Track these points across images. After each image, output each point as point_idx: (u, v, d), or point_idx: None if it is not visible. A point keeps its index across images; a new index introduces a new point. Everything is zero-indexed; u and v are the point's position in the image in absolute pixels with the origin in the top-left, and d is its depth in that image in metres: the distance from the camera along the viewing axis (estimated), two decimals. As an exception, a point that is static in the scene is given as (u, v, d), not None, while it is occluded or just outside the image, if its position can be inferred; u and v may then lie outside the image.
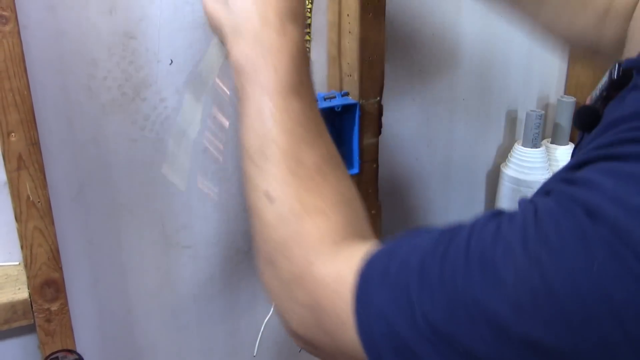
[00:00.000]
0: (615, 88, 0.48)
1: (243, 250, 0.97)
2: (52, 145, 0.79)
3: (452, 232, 0.42)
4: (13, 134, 0.70)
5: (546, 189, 0.41)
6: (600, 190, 0.36)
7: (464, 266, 0.39)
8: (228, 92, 0.70)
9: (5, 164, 0.71)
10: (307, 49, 0.85)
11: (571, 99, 1.13)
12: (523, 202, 0.41)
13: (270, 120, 0.55)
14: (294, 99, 0.56)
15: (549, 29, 0.69)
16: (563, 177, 0.41)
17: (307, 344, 0.52)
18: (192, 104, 0.72)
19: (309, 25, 0.85)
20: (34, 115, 0.71)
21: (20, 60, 0.68)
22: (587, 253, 0.35)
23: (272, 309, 0.95)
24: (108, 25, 0.78)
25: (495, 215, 0.42)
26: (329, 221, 0.52)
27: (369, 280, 0.45)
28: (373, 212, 0.95)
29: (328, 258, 0.50)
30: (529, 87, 1.16)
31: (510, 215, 0.40)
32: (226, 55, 0.63)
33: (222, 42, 0.63)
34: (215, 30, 0.64)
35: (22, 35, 0.69)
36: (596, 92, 0.52)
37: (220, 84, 0.70)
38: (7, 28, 0.67)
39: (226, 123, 0.72)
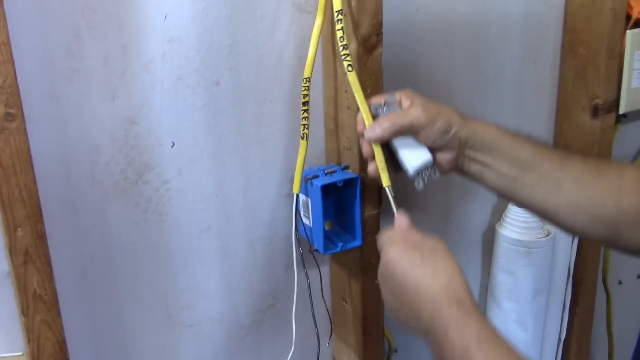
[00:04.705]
0: None
1: (246, 325, 0.97)
2: (55, 233, 0.79)
3: None
4: (20, 229, 0.70)
5: None
6: None
7: None
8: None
9: (11, 259, 0.71)
10: (306, 125, 0.87)
11: (561, 158, 1.15)
12: None
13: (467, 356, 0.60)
14: (487, 345, 0.61)
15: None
16: None
17: None
18: None
19: (307, 102, 0.86)
20: (40, 208, 0.70)
21: (27, 156, 0.68)
22: None
23: (278, 385, 0.94)
24: (110, 111, 0.79)
25: None
26: None
27: None
28: (377, 282, 0.95)
29: None
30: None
31: None
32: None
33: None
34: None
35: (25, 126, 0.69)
36: None
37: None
38: (14, 125, 0.67)
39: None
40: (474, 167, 0.79)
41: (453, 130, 0.76)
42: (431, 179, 0.80)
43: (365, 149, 0.79)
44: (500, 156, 0.77)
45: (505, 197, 0.81)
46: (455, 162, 0.79)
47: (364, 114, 0.79)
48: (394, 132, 0.76)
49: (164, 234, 0.86)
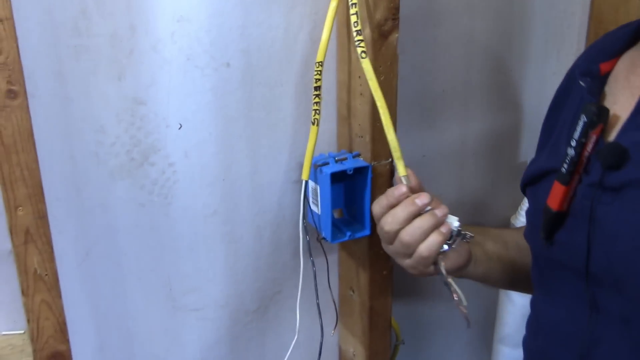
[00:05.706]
0: None
1: (251, 311, 0.95)
2: (58, 213, 0.78)
3: None
4: (20, 208, 0.69)
5: None
6: None
7: None
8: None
9: (12, 238, 0.70)
10: (317, 111, 0.84)
11: (581, 151, 1.12)
12: None
13: None
14: None
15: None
16: None
17: None
18: None
19: (319, 87, 0.84)
20: (42, 188, 0.69)
21: (29, 134, 0.67)
22: None
23: (281, 373, 0.93)
24: (117, 91, 0.77)
25: None
26: None
27: None
28: (385, 272, 0.93)
29: None
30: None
31: None
32: None
33: None
34: None
35: (29, 104, 0.68)
36: None
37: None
38: (16, 102, 0.66)
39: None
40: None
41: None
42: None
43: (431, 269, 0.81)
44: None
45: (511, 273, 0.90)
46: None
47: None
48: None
49: (169, 217, 0.85)
